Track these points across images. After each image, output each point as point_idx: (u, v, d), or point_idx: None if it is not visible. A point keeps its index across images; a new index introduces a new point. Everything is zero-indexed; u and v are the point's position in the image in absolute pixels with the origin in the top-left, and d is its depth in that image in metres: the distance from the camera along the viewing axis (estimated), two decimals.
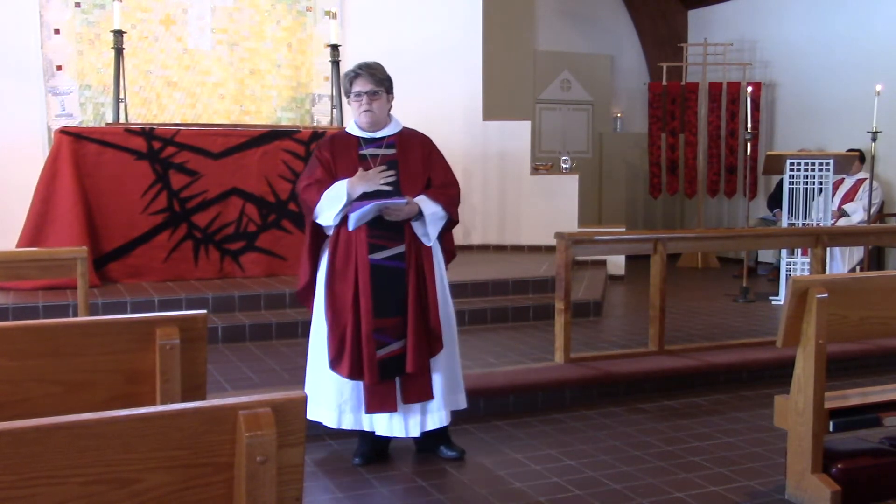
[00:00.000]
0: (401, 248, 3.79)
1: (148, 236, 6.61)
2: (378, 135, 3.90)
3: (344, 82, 3.94)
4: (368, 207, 3.69)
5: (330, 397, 3.82)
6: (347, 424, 3.83)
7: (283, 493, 1.72)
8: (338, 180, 3.78)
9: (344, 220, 3.76)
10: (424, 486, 3.64)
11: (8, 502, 1.51)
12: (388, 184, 3.79)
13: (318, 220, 3.82)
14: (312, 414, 3.85)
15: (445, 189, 3.91)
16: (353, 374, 3.74)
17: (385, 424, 3.84)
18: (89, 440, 1.56)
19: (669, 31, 11.70)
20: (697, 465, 3.90)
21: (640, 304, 6.91)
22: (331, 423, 3.84)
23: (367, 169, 3.81)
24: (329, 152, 3.87)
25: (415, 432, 3.87)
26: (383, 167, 3.80)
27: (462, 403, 4.00)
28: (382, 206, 3.72)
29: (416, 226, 3.83)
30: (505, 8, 10.02)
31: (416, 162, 3.90)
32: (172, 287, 6.34)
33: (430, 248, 3.87)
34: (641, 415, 4.67)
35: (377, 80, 3.84)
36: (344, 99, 4.08)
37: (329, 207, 3.75)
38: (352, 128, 3.96)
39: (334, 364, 3.77)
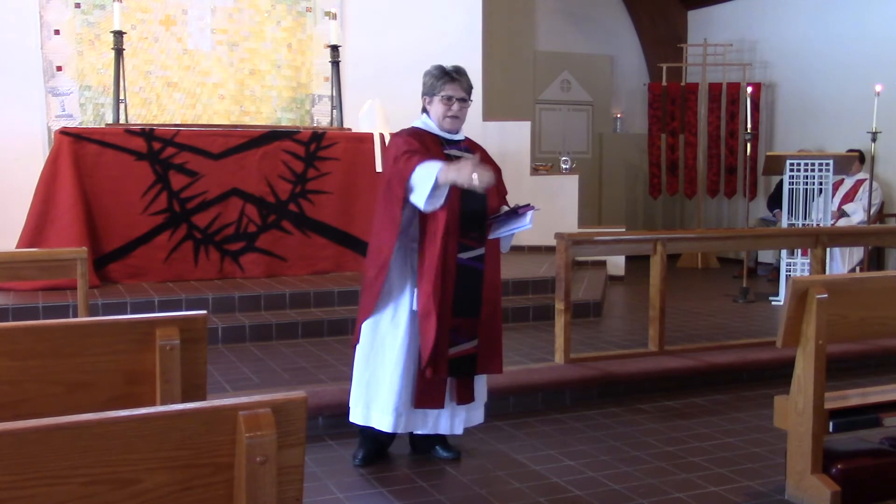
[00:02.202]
0: (482, 251, 3.81)
1: (148, 237, 6.61)
2: (455, 137, 3.88)
3: (431, 81, 3.83)
4: (530, 215, 3.67)
5: (387, 402, 3.75)
6: (402, 428, 3.79)
7: (283, 493, 1.72)
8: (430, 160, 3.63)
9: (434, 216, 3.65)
10: (424, 487, 3.65)
11: (8, 502, 1.51)
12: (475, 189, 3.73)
13: (409, 196, 3.61)
14: (364, 418, 3.82)
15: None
16: (441, 370, 3.71)
17: (432, 423, 3.85)
18: (90, 440, 1.56)
19: (669, 31, 11.70)
20: (697, 465, 3.91)
21: (640, 304, 6.91)
22: (387, 427, 3.77)
23: None
24: (418, 140, 3.73)
25: (458, 430, 3.89)
26: (476, 161, 3.64)
27: (484, 396, 4.02)
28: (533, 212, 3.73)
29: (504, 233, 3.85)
30: (505, 8, 10.03)
31: (489, 168, 3.91)
32: (172, 287, 6.34)
33: (499, 253, 3.91)
34: (641, 415, 4.67)
35: (468, 88, 3.85)
36: (415, 97, 3.90)
37: (420, 185, 3.55)
38: (427, 125, 3.88)
39: (430, 362, 3.69)
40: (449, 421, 3.86)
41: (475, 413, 3.96)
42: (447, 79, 3.80)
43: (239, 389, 4.65)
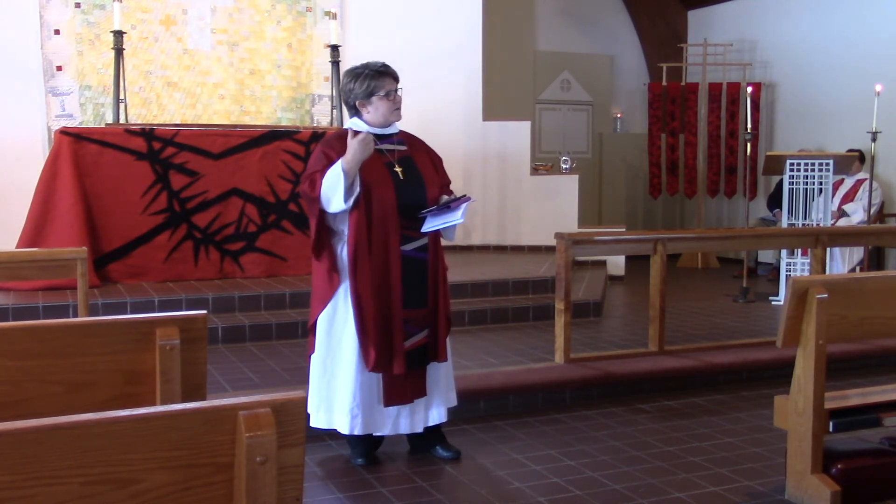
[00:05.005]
0: (424, 240, 3.83)
1: (148, 237, 6.61)
2: (387, 131, 3.89)
3: (367, 83, 3.80)
4: (463, 209, 3.69)
5: (343, 403, 3.78)
6: (359, 430, 3.78)
7: (283, 493, 1.72)
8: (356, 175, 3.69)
9: (360, 211, 3.69)
10: (424, 487, 3.65)
11: (8, 502, 1.51)
12: (412, 179, 3.79)
13: (329, 209, 3.68)
14: (327, 422, 3.83)
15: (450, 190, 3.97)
16: (378, 366, 3.73)
17: (391, 424, 3.84)
18: (90, 440, 1.56)
19: (669, 31, 11.70)
20: (697, 465, 3.91)
21: (640, 304, 6.91)
22: (344, 429, 3.80)
23: (386, 163, 3.77)
24: (337, 151, 3.73)
25: (418, 428, 3.89)
26: (366, 135, 3.68)
27: (453, 401, 4.02)
28: (468, 205, 3.76)
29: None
30: (505, 8, 10.02)
31: (426, 158, 3.95)
32: (172, 287, 6.34)
33: (440, 242, 3.93)
34: (641, 415, 4.67)
35: (398, 78, 3.87)
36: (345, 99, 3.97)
37: (333, 191, 3.63)
38: (357, 125, 3.87)
39: (366, 358, 3.73)
40: (409, 419, 3.86)
41: (437, 411, 3.92)
42: (382, 76, 3.82)
43: (239, 389, 4.65)
